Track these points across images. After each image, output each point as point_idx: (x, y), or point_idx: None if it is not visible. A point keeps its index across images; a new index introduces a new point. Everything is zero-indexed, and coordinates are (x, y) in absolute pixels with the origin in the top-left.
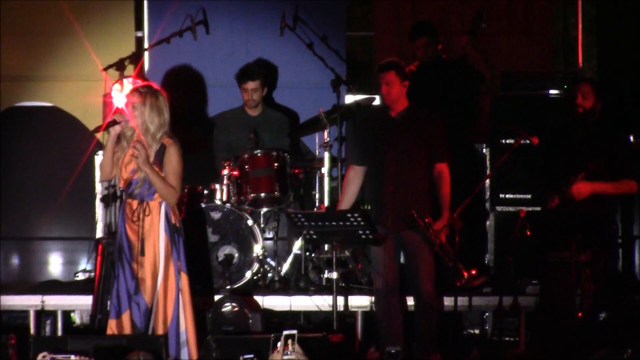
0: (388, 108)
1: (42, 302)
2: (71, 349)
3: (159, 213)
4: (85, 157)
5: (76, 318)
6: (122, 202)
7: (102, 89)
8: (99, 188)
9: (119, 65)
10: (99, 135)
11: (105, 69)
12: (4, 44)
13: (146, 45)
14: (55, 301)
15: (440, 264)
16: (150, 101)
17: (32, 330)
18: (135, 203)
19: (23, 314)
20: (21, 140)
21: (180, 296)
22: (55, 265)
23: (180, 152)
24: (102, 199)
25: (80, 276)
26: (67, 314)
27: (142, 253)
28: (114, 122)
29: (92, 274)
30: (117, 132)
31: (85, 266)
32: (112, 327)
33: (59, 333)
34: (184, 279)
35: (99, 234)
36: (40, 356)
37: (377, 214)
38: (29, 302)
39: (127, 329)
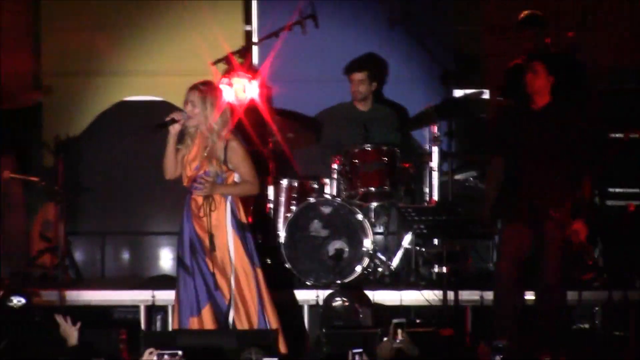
0: (528, 100)
1: (153, 297)
2: (180, 345)
3: (225, 209)
4: None
5: None
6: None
7: None
8: None
9: (228, 60)
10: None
11: (214, 63)
12: (113, 38)
13: (255, 39)
14: (165, 296)
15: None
16: (210, 99)
17: (142, 326)
18: (200, 199)
19: (134, 309)
20: (130, 134)
21: (260, 291)
22: (165, 260)
23: (241, 142)
24: None
25: None
26: None
27: (213, 248)
28: (172, 121)
29: None
30: (177, 131)
31: None
32: (193, 325)
33: (170, 328)
34: (260, 273)
35: None
36: (147, 352)
37: (512, 204)
38: (139, 297)
39: (209, 325)
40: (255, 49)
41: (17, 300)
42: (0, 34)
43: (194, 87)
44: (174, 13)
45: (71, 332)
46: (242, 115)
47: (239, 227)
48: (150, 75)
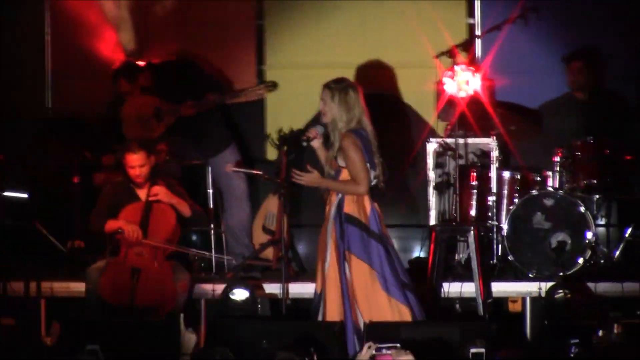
0: None
1: None
2: (404, 337)
3: (334, 202)
4: (418, 144)
5: None
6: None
7: (434, 76)
8: (432, 175)
9: (451, 53)
10: (432, 122)
11: (438, 56)
12: (337, 32)
13: (478, 32)
14: None
15: None
16: (339, 97)
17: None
18: (326, 194)
19: None
20: None
21: (345, 284)
22: None
23: (353, 141)
24: (436, 187)
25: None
26: None
27: (324, 239)
28: (308, 139)
29: (426, 261)
30: (320, 144)
31: (418, 253)
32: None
33: None
34: (356, 267)
35: (432, 221)
36: (365, 347)
37: None
38: None
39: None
40: (478, 42)
41: (240, 294)
42: (227, 30)
43: (326, 85)
44: (399, 7)
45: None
46: (465, 107)
47: (341, 220)
48: (374, 68)
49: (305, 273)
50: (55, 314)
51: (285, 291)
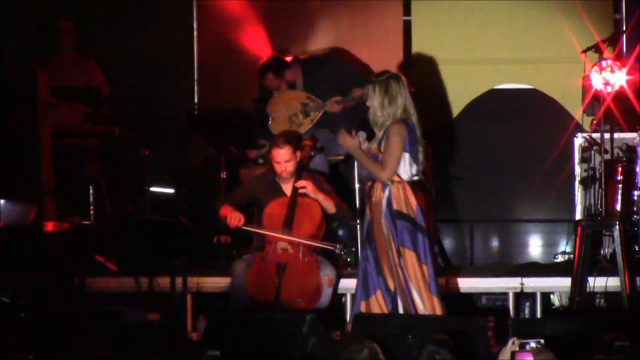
0: None
1: (521, 284)
2: (549, 333)
3: (382, 197)
4: (563, 139)
5: (555, 300)
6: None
7: (581, 71)
8: (577, 170)
9: (597, 48)
10: (577, 117)
11: (584, 52)
12: (482, 28)
13: (623, 27)
14: (534, 283)
15: None
16: (379, 89)
17: (511, 313)
18: (368, 184)
19: (502, 296)
20: (500, 122)
21: (405, 280)
22: (534, 247)
23: (400, 130)
24: (581, 181)
25: (560, 258)
26: (546, 296)
27: (371, 235)
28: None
29: (572, 255)
30: (366, 145)
31: (564, 248)
32: (362, 309)
33: (537, 315)
34: (410, 261)
35: (578, 215)
36: (510, 342)
37: None
38: (507, 284)
39: (376, 310)
40: (624, 37)
41: None
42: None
43: (369, 81)
44: (545, 4)
45: None
46: (611, 102)
47: (392, 216)
48: (519, 63)
49: (451, 268)
50: (202, 309)
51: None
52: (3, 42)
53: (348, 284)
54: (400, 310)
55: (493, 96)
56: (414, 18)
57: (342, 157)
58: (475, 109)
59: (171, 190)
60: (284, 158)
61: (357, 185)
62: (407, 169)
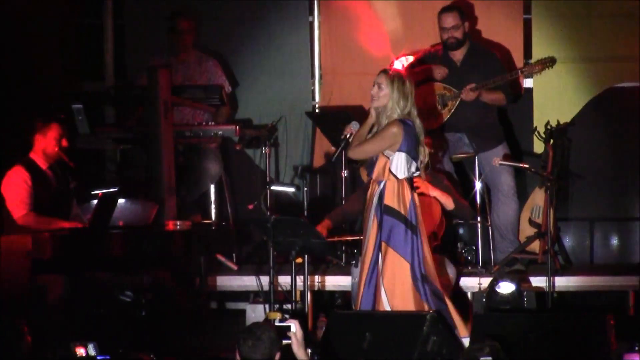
0: None
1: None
2: None
3: (376, 191)
4: None
5: None
6: None
7: None
8: None
9: None
10: None
11: None
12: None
13: None
14: None
15: None
16: (397, 84)
17: (630, 311)
18: (368, 178)
19: (621, 295)
20: (620, 120)
21: (375, 274)
22: None
23: (396, 127)
24: None
25: None
26: None
27: (360, 230)
28: (346, 137)
29: None
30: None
31: None
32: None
33: None
34: (391, 259)
35: None
36: None
37: None
38: (627, 282)
39: None
40: None
41: (506, 287)
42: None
43: (384, 71)
44: None
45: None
46: None
47: (382, 211)
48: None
49: (571, 267)
50: (323, 307)
51: (551, 284)
52: (125, 41)
53: (469, 283)
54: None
55: (612, 94)
56: (534, 17)
57: (464, 156)
58: (594, 108)
59: (293, 189)
60: None
61: (478, 184)
62: (403, 168)
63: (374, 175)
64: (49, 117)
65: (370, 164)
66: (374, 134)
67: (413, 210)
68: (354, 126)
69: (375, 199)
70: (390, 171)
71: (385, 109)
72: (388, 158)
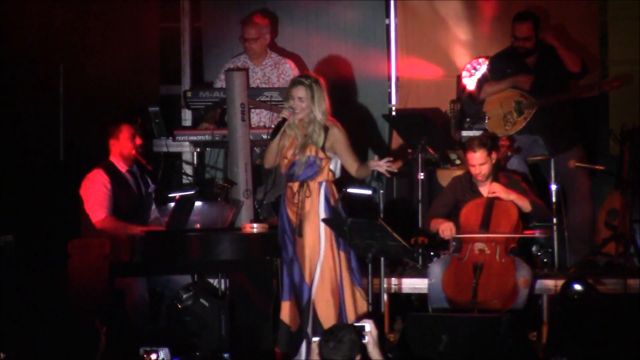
0: None
1: None
2: None
3: (319, 194)
4: None
5: None
6: None
7: None
8: None
9: None
10: None
11: None
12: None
13: None
14: None
15: None
16: (317, 92)
17: None
18: (296, 185)
19: None
20: None
21: (341, 277)
22: None
23: (341, 129)
24: None
25: None
26: None
27: (300, 234)
28: (284, 121)
29: None
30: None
31: None
32: (285, 310)
33: None
34: (343, 257)
35: None
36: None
37: None
38: None
39: (292, 312)
40: None
41: (577, 289)
42: (569, 27)
43: (299, 83)
44: None
45: None
46: None
47: (332, 212)
48: None
49: None
50: (399, 309)
51: (626, 286)
52: (202, 44)
53: (544, 285)
54: (311, 311)
55: None
56: (609, 18)
57: (540, 158)
58: None
59: (369, 192)
60: (478, 161)
61: (553, 186)
62: (337, 167)
63: (316, 178)
64: (117, 120)
65: (297, 164)
66: (343, 148)
67: (341, 206)
68: (291, 112)
69: (322, 201)
70: (330, 171)
71: (311, 118)
72: (330, 159)
